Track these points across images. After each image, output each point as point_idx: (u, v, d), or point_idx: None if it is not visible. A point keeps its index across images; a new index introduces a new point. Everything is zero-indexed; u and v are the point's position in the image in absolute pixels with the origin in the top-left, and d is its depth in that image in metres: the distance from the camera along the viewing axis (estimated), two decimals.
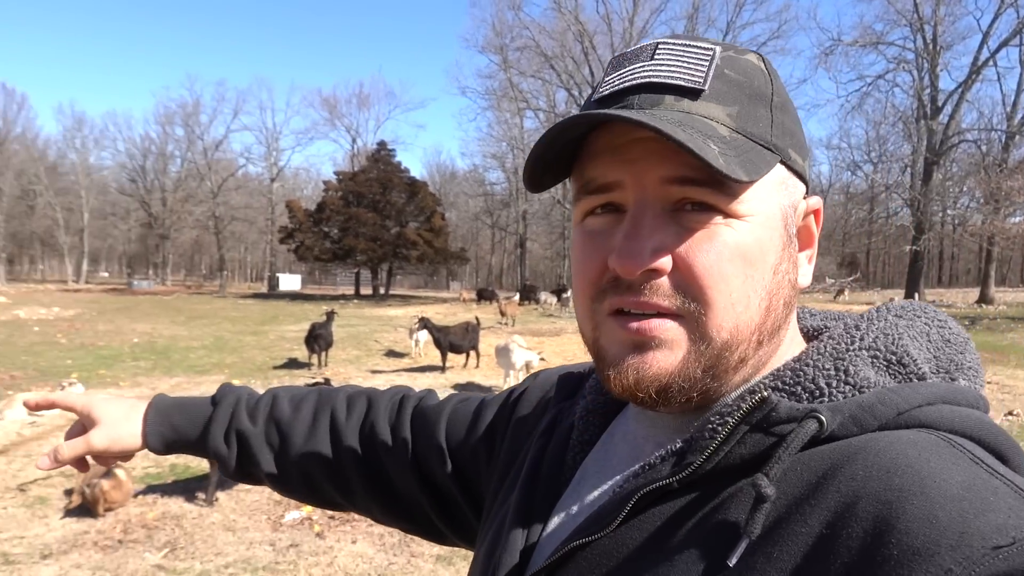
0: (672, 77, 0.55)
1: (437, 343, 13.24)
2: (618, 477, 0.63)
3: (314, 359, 13.62)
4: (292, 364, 14.08)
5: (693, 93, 0.54)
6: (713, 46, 0.56)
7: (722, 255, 0.54)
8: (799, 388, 0.55)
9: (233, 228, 62.73)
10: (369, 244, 42.79)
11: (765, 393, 0.52)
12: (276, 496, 6.03)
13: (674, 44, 0.57)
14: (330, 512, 5.81)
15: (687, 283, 0.54)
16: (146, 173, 65.56)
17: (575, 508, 0.65)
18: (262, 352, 15.90)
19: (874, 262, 71.29)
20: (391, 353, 15.99)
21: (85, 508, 5.47)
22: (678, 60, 0.55)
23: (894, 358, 0.56)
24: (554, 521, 0.66)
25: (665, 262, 0.54)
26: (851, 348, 0.56)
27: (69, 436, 0.96)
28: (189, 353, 15.61)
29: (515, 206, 58.65)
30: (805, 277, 0.62)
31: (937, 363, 0.58)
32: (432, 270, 52.54)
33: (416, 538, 5.55)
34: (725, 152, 0.51)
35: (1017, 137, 32.67)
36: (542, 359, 11.50)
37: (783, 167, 0.58)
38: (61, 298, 36.18)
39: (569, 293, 32.05)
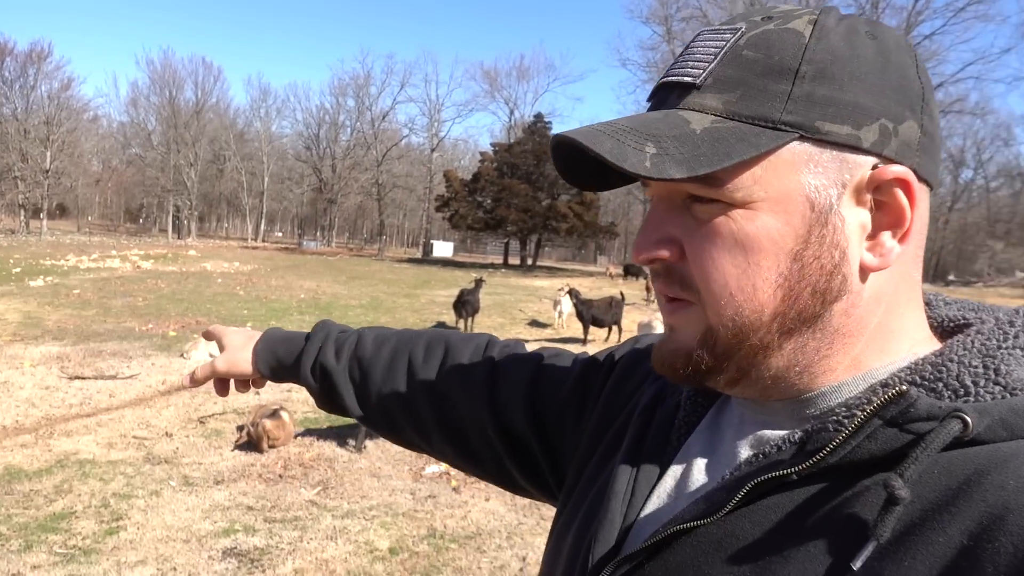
0: (679, 75, 0.56)
1: (580, 316, 13.34)
2: (725, 463, 0.60)
3: (460, 324, 14.12)
4: (439, 327, 14.69)
5: (691, 88, 0.55)
6: (740, 26, 0.55)
7: (716, 245, 0.54)
8: (940, 385, 0.50)
9: (393, 195, 65.68)
10: (520, 215, 43.53)
11: (903, 387, 0.48)
12: None
13: (707, 33, 0.57)
14: None
15: (689, 273, 0.56)
16: (319, 141, 70.09)
17: (676, 491, 0.63)
18: (413, 314, 16.73)
19: None
20: (534, 323, 16.28)
21: (252, 444, 6.07)
22: (697, 53, 0.56)
23: None
24: (654, 502, 0.64)
25: (669, 252, 0.56)
26: (1004, 345, 0.51)
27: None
28: (348, 311, 16.68)
29: None
30: (882, 257, 0.54)
31: None
32: (580, 243, 52.66)
33: (545, 503, 5.65)
34: (665, 152, 0.51)
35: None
36: None
37: (809, 143, 0.52)
38: (241, 254, 39.77)
39: None
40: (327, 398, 1.04)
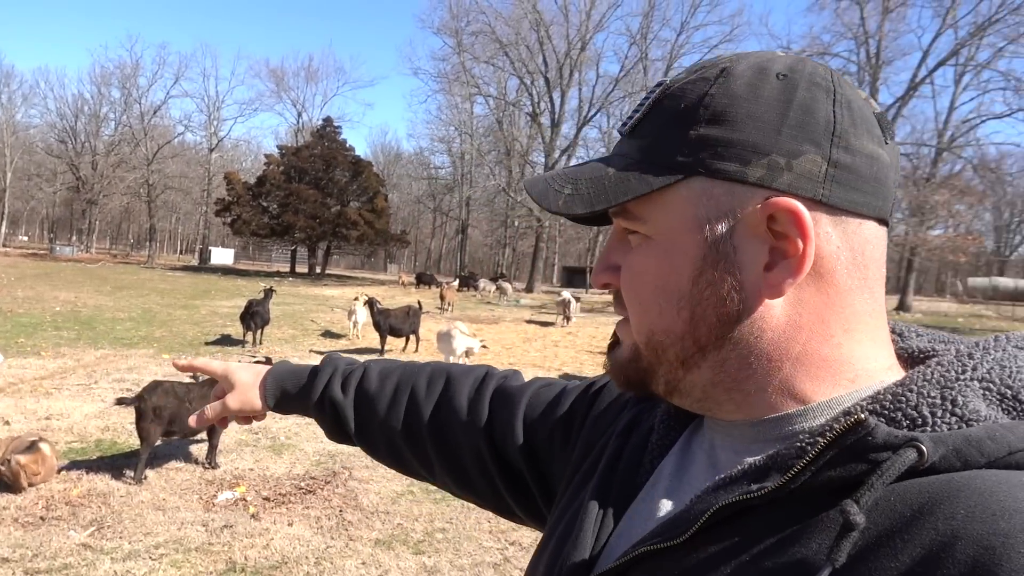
0: (626, 123, 0.64)
1: (377, 325, 13.12)
2: (694, 485, 0.61)
3: (249, 336, 13.31)
4: (225, 341, 13.74)
5: (623, 137, 0.64)
6: (664, 81, 0.63)
7: (633, 271, 0.62)
8: (899, 414, 0.51)
9: (166, 197, 60.59)
10: (308, 221, 42.02)
11: (862, 416, 0.49)
12: (208, 475, 5.90)
13: (656, 86, 0.64)
14: (265, 493, 5.71)
15: (623, 294, 0.64)
16: (77, 135, 62.37)
17: (648, 513, 0.65)
18: (193, 327, 15.45)
19: None
20: (328, 334, 15.76)
21: (4, 484, 5.22)
22: (637, 106, 0.64)
23: (1009, 392, 0.52)
24: (626, 523, 0.66)
25: (613, 277, 0.65)
26: (962, 377, 0.52)
27: (215, 398, 1.11)
28: (115, 325, 15.04)
29: (459, 191, 58.45)
30: (778, 287, 0.56)
31: None
32: (371, 251, 51.97)
33: (354, 522, 5.53)
34: (578, 192, 0.61)
35: (946, 153, 34.10)
36: (484, 346, 11.54)
37: (701, 181, 0.57)
38: None
39: (504, 282, 32.16)
40: (336, 429, 1.09)
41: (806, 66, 0.58)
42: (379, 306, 13.25)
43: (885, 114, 0.60)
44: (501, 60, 45.93)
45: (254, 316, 13.13)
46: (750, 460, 0.56)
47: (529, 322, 21.03)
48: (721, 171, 0.56)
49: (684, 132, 0.58)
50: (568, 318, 19.93)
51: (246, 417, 1.14)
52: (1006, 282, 51.58)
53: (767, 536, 0.51)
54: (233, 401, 1.09)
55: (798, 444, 0.53)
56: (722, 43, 44.23)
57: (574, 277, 49.86)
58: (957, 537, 0.43)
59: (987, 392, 0.52)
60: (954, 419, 0.50)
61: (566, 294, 21.11)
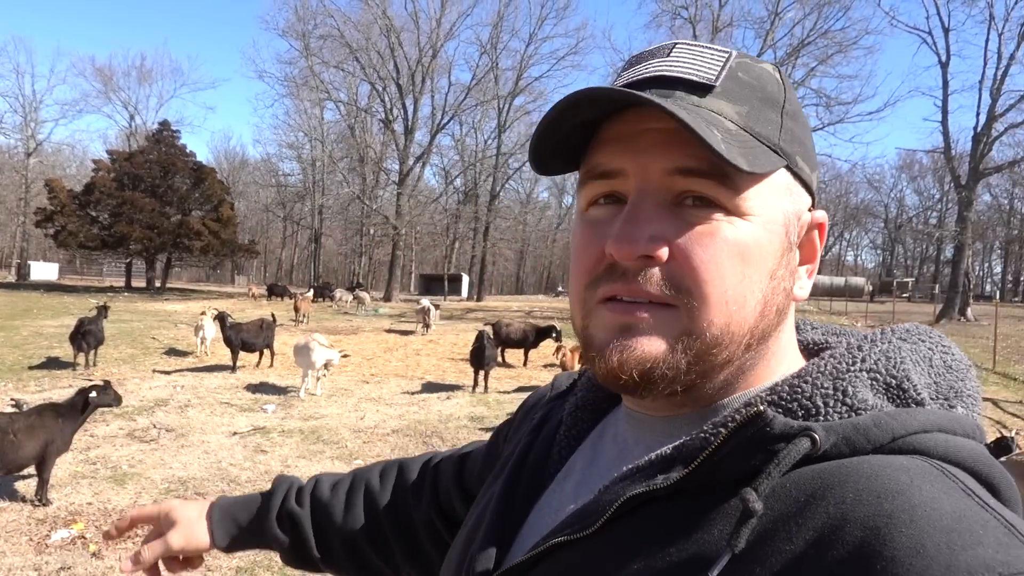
0: (686, 72, 0.56)
1: (228, 341, 12.38)
2: (604, 477, 0.61)
3: (81, 358, 12.14)
4: (53, 364, 12.47)
5: (704, 88, 0.56)
6: (729, 50, 0.59)
7: (720, 250, 0.55)
8: (795, 405, 0.54)
9: None
10: (145, 232, 39.09)
11: (761, 407, 0.52)
12: (39, 513, 5.33)
13: (691, 45, 0.60)
14: (107, 528, 5.19)
15: (683, 274, 0.55)
16: None
17: (558, 504, 0.65)
18: (13, 351, 13.89)
19: None
20: (173, 351, 14.72)
21: None
22: (693, 58, 0.58)
23: (894, 382, 0.56)
24: (536, 515, 0.67)
25: (662, 250, 0.55)
26: (852, 368, 0.56)
27: (148, 540, 1.00)
28: None
29: (311, 199, 56.69)
30: (803, 290, 0.62)
31: (937, 389, 0.58)
32: (217, 263, 49.18)
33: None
34: (728, 141, 0.53)
35: None
36: (345, 356, 11.21)
37: (789, 173, 0.58)
38: None
39: (362, 292, 31.58)
40: (295, 550, 1.03)
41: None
42: (230, 320, 12.53)
43: None
44: (351, 65, 45.00)
45: (86, 336, 12.00)
46: (659, 451, 0.57)
47: (389, 331, 20.73)
48: (803, 171, 0.59)
49: (777, 118, 0.58)
50: (428, 326, 19.83)
51: (182, 562, 1.02)
52: (822, 279, 57.27)
53: (673, 525, 0.53)
54: (176, 539, 0.98)
55: (703, 435, 0.54)
56: (568, 55, 45.84)
57: (432, 284, 49.67)
58: (846, 520, 0.46)
59: (874, 382, 0.55)
60: (844, 408, 0.53)
61: (425, 302, 21.05)
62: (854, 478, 0.48)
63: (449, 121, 46.63)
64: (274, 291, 36.37)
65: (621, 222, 0.55)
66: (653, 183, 0.55)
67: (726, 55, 0.58)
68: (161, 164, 41.06)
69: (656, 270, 0.55)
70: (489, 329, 12.39)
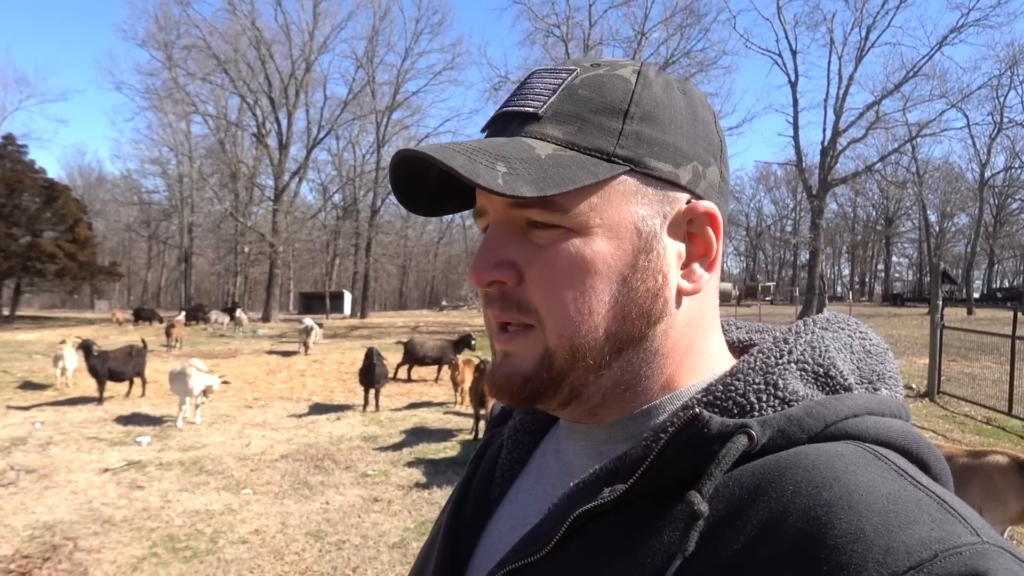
0: (521, 105, 0.60)
1: (93, 371, 11.47)
2: (551, 494, 0.61)
3: None
4: None
5: (534, 118, 0.59)
6: (576, 67, 0.60)
7: (556, 269, 0.57)
8: (730, 403, 0.55)
9: None
10: None
11: (697, 410, 0.52)
12: None
13: (543, 72, 0.61)
14: None
15: (530, 295, 0.58)
16: None
17: (508, 528, 0.65)
18: None
19: None
20: (28, 385, 13.49)
21: None
22: (535, 88, 0.60)
23: (821, 370, 0.57)
24: (486, 542, 0.66)
25: (508, 275, 0.58)
26: (780, 361, 0.57)
27: None
28: None
29: (179, 217, 53.85)
30: (694, 282, 0.61)
31: (861, 374, 0.60)
32: (74, 287, 45.58)
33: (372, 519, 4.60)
34: (515, 172, 0.54)
35: None
36: (225, 382, 10.68)
37: (636, 176, 0.58)
38: None
39: (240, 313, 30.24)
40: None
41: (691, 86, 0.64)
42: (96, 349, 11.63)
43: None
44: (220, 77, 42.97)
45: None
46: (601, 464, 0.57)
47: (270, 352, 19.89)
48: (657, 170, 0.58)
49: (617, 125, 0.58)
50: (307, 346, 19.15)
51: None
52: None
53: (624, 536, 0.53)
54: None
55: (643, 443, 0.55)
56: (445, 70, 45.91)
57: (313, 303, 48.15)
58: (787, 512, 0.47)
59: (803, 372, 0.57)
60: (777, 401, 0.54)
61: (308, 321, 20.34)
62: (792, 470, 0.49)
63: (326, 136, 45.46)
64: (141, 315, 34.16)
65: (476, 252, 0.60)
66: (501, 216, 0.60)
67: (569, 74, 0.60)
68: (6, 181, 37.65)
69: (512, 293, 0.59)
70: (380, 345, 12.15)
